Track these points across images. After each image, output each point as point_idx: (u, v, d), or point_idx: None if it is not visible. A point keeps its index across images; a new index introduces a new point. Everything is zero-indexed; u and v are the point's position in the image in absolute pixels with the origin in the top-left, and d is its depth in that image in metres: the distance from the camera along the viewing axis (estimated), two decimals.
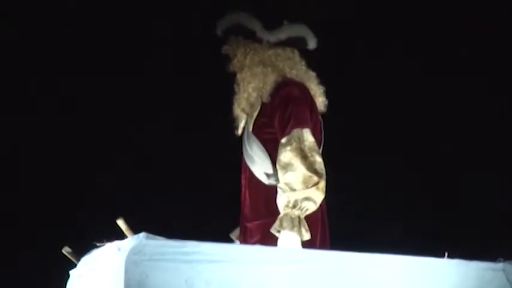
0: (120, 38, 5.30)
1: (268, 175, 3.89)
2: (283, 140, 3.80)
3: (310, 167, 3.73)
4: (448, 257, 3.48)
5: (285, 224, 3.67)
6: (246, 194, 4.00)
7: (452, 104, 5.52)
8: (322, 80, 4.05)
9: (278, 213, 3.77)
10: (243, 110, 4.01)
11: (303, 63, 4.08)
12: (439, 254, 3.47)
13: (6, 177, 5.27)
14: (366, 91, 5.48)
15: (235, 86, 4.06)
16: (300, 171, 3.72)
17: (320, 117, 4.02)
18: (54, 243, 3.67)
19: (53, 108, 5.33)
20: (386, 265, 3.38)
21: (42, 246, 4.85)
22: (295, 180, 3.71)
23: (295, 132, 3.80)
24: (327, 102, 4.06)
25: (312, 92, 4.01)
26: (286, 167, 3.75)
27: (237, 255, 3.27)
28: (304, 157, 3.75)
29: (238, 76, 4.04)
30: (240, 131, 4.04)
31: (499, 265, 3.49)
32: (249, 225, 3.91)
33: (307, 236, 3.69)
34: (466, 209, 5.42)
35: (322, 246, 3.85)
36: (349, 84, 5.44)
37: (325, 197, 3.77)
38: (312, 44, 4.11)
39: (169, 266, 3.15)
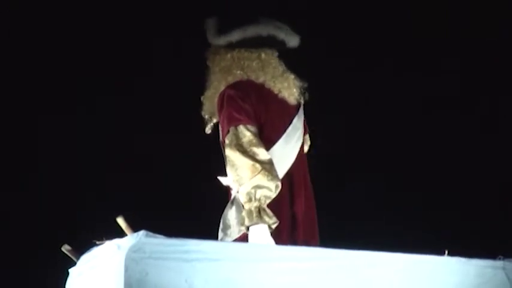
0: (120, 40, 5.30)
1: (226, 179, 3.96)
2: (226, 141, 3.87)
3: (252, 159, 3.78)
4: (448, 254, 3.48)
5: (246, 220, 3.71)
6: None
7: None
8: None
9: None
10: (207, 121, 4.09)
11: (271, 62, 4.10)
12: (439, 252, 3.47)
13: (6, 177, 5.26)
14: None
15: None
16: (243, 165, 3.77)
17: (289, 107, 4.06)
18: (54, 242, 3.66)
19: (53, 108, 5.33)
20: (386, 263, 3.38)
21: (42, 245, 4.84)
22: (243, 175, 3.76)
23: (231, 130, 3.86)
24: (298, 94, 4.09)
25: (270, 86, 4.04)
26: (232, 165, 3.80)
27: (237, 254, 3.28)
28: (244, 152, 3.79)
29: None
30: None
31: (499, 263, 3.49)
32: None
33: (272, 221, 3.71)
34: (467, 207, 5.43)
35: (293, 243, 3.85)
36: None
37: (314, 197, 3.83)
38: (292, 41, 4.12)
39: (169, 264, 3.15)
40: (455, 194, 5.46)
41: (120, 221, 3.33)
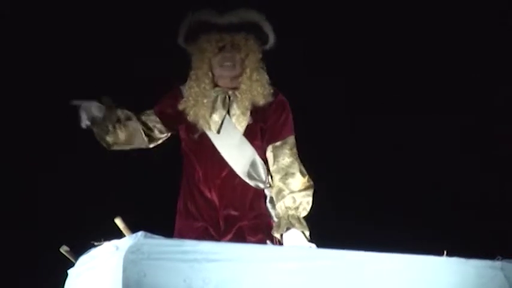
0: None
1: (251, 176, 3.95)
2: (278, 143, 3.92)
3: (305, 171, 3.88)
4: (447, 255, 3.47)
5: (297, 224, 3.76)
6: (220, 192, 3.99)
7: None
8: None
9: (262, 211, 3.92)
10: (245, 108, 3.99)
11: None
12: (437, 253, 3.47)
13: (6, 178, 5.27)
14: None
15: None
16: (300, 174, 3.85)
17: None
18: (53, 243, 3.66)
19: (60, 112, 5.33)
20: (385, 263, 3.38)
21: (41, 247, 4.85)
22: (297, 183, 3.83)
23: (291, 138, 3.94)
24: None
25: None
26: (286, 170, 3.86)
27: (235, 254, 3.28)
28: (299, 163, 3.89)
29: (243, 73, 4.03)
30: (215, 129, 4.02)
31: (498, 263, 3.49)
32: (243, 223, 3.93)
33: (308, 232, 3.79)
34: (465, 207, 5.43)
35: None
36: None
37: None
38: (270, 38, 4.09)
39: (168, 265, 3.15)
40: (455, 194, 5.46)
41: (119, 221, 3.34)
